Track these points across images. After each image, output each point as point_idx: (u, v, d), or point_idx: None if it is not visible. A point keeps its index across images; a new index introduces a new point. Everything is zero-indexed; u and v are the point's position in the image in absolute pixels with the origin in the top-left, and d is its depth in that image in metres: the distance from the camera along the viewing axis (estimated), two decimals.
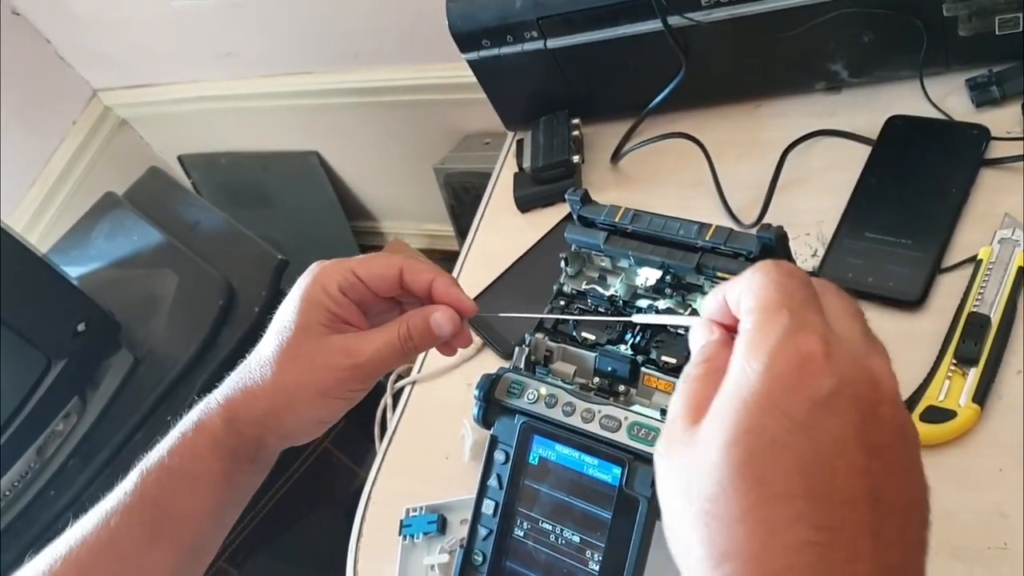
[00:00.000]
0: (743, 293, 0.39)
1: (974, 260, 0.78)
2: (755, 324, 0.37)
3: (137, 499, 0.56)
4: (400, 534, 0.82)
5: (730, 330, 0.41)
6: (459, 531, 0.81)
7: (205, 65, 1.93)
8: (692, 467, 0.36)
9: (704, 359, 0.40)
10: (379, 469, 0.89)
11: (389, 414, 0.94)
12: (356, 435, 1.51)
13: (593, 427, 0.61)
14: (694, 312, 0.64)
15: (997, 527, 0.65)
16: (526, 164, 1.04)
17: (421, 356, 0.96)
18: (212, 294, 1.38)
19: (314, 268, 0.60)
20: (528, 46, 0.99)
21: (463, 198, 1.78)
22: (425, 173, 1.84)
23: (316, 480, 1.56)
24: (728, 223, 0.91)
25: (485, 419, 0.66)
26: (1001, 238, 0.78)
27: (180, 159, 2.25)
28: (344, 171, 2.08)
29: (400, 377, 0.96)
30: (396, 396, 0.95)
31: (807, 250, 0.86)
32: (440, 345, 0.62)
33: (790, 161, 0.93)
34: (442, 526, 0.82)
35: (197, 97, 2.02)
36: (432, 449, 0.87)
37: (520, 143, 1.09)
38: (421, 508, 0.83)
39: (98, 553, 0.55)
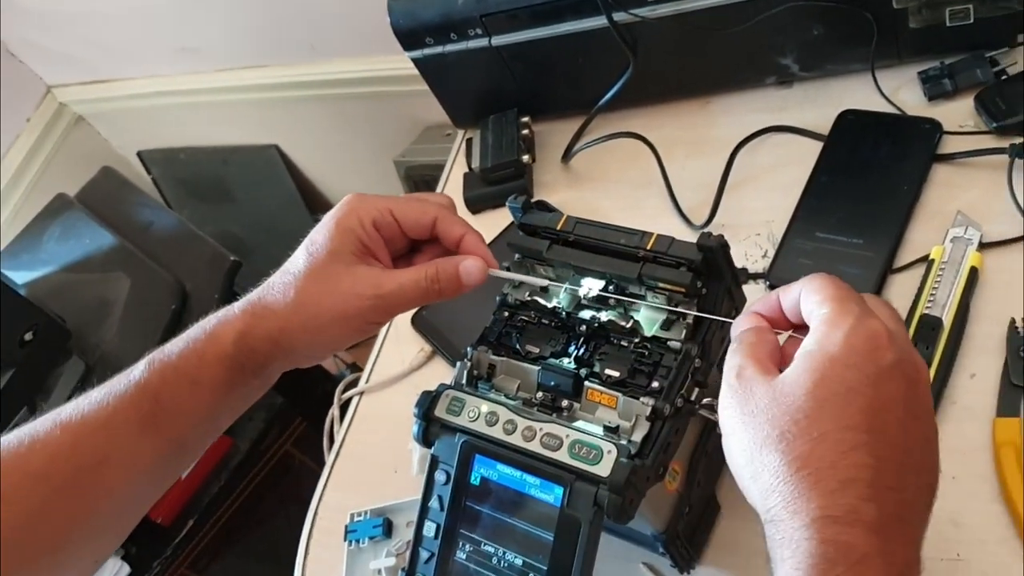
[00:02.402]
0: (807, 293, 0.50)
1: (926, 260, 0.77)
2: (833, 308, 0.48)
3: (139, 390, 0.59)
4: (345, 540, 0.81)
5: (772, 323, 0.54)
6: (405, 533, 0.80)
7: (161, 60, 1.90)
8: (776, 399, 0.47)
9: (754, 334, 0.53)
10: (326, 484, 0.87)
11: (336, 426, 0.92)
12: (316, 437, 1.48)
13: (534, 446, 0.59)
14: (636, 323, 0.63)
15: (950, 537, 0.64)
16: (475, 164, 1.02)
17: (368, 365, 0.94)
18: (165, 297, 1.35)
19: (351, 198, 0.62)
20: (473, 44, 0.97)
21: (424, 190, 1.75)
22: (386, 165, 1.82)
23: (279, 482, 1.54)
24: (678, 223, 0.90)
25: (425, 438, 0.64)
26: (953, 237, 0.77)
27: (139, 155, 2.22)
28: (305, 164, 2.06)
29: (348, 387, 0.94)
30: (344, 407, 0.93)
31: (757, 251, 0.84)
32: None
33: (741, 158, 0.91)
34: (388, 529, 0.81)
35: (154, 92, 1.98)
36: (380, 462, 0.85)
37: (469, 142, 1.06)
38: (366, 512, 0.82)
39: (93, 428, 0.58)
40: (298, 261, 0.61)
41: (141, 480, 0.61)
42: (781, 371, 0.49)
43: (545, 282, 0.66)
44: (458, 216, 0.65)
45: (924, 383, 0.48)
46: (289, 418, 1.53)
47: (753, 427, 0.47)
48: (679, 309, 0.62)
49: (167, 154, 2.17)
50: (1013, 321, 0.71)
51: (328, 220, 0.62)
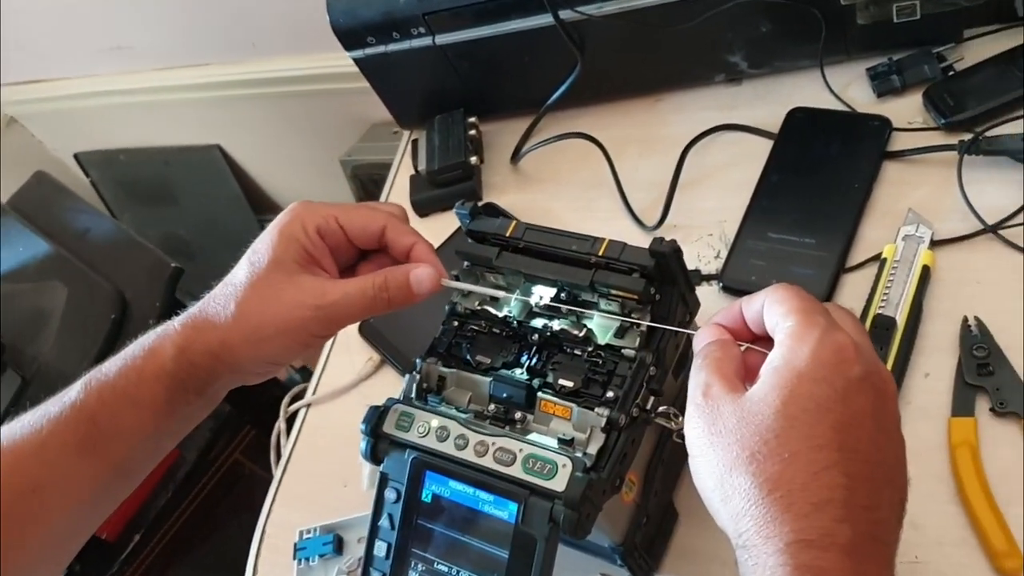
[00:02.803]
0: (770, 304, 0.49)
1: (878, 259, 0.76)
2: (798, 320, 0.47)
3: (75, 411, 0.56)
4: (295, 558, 0.79)
5: (734, 334, 0.53)
6: (357, 550, 0.78)
7: (96, 59, 1.84)
8: (745, 419, 0.45)
9: (718, 349, 0.51)
10: (273, 500, 0.84)
11: (283, 440, 0.89)
12: (266, 445, 1.46)
13: (487, 461, 0.58)
14: (589, 331, 0.61)
15: (908, 540, 0.63)
16: (421, 167, 0.99)
17: (315, 375, 0.91)
18: (104, 307, 1.30)
19: (296, 206, 0.60)
20: (416, 43, 0.94)
21: (372, 190, 1.72)
22: (332, 164, 1.79)
23: (229, 492, 1.50)
24: (631, 225, 0.89)
25: (374, 455, 0.62)
26: (905, 235, 0.76)
27: (76, 157, 2.16)
28: (248, 164, 2.01)
29: (294, 400, 0.91)
30: (290, 421, 0.90)
31: (710, 252, 0.83)
32: None
33: (691, 158, 0.90)
34: (338, 546, 0.79)
35: (90, 92, 1.92)
36: (329, 477, 0.83)
37: (415, 144, 1.04)
38: (315, 529, 0.80)
39: (26, 454, 0.55)
40: (240, 272, 0.59)
41: (80, 507, 0.58)
42: (747, 386, 0.47)
43: (500, 293, 0.64)
44: (409, 226, 0.63)
45: (892, 395, 0.47)
46: (237, 426, 1.49)
47: (722, 448, 0.46)
48: (632, 318, 0.60)
49: (106, 156, 2.11)
50: (966, 319, 0.71)
51: (271, 228, 0.59)
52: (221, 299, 0.58)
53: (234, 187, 2.02)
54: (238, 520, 1.55)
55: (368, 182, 1.74)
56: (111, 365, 0.58)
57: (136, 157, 2.08)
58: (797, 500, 0.42)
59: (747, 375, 0.50)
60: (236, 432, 1.49)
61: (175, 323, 0.59)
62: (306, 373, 1.45)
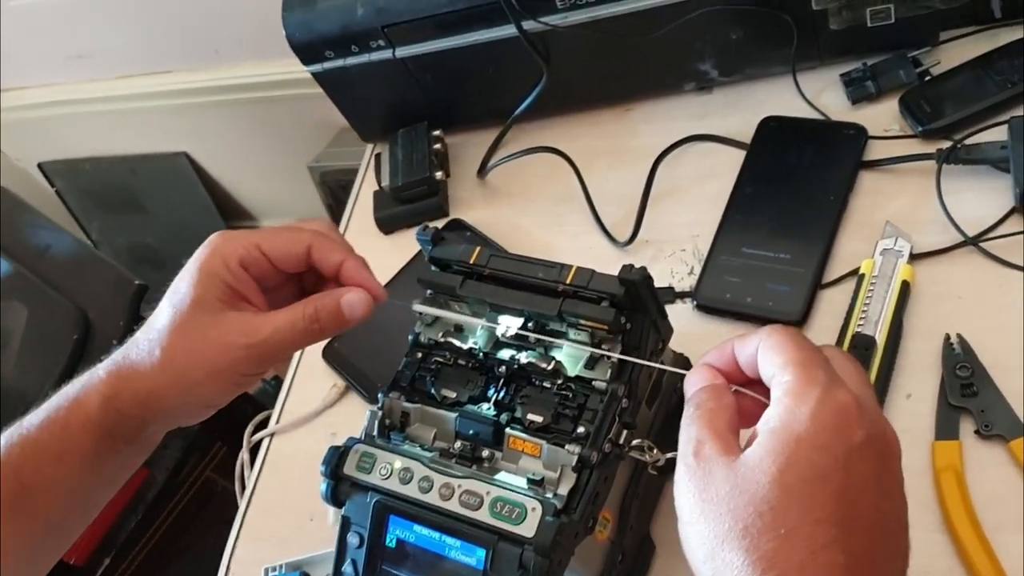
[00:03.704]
0: (766, 351, 0.46)
1: (856, 273, 0.74)
2: (797, 376, 0.44)
3: None
4: None
5: (727, 376, 0.50)
6: None
7: (57, 68, 1.81)
8: (739, 485, 0.42)
9: (711, 398, 0.48)
10: (237, 536, 0.81)
11: (247, 472, 0.86)
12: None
13: (453, 505, 0.55)
14: (558, 363, 0.59)
15: None
16: (385, 183, 0.96)
17: (279, 404, 0.88)
18: (66, 327, 1.27)
19: (214, 238, 0.58)
20: (376, 56, 0.91)
21: (341, 196, 1.70)
22: (300, 170, 1.76)
23: (201, 511, 1.47)
24: (602, 240, 0.86)
25: (335, 498, 0.60)
26: (883, 249, 0.74)
27: (40, 167, 2.12)
28: (216, 171, 1.99)
29: (257, 429, 0.88)
30: (254, 451, 0.87)
31: (683, 268, 0.81)
32: None
33: (663, 170, 0.88)
34: None
35: (51, 102, 1.89)
36: (295, 510, 0.80)
37: (378, 158, 1.00)
38: (281, 566, 0.77)
39: None
40: (162, 315, 0.56)
41: (12, 568, 0.55)
42: (741, 446, 0.45)
43: (475, 320, 0.62)
44: (337, 241, 0.60)
45: (896, 456, 0.45)
46: (207, 444, 1.46)
47: (714, 518, 0.43)
48: (603, 350, 0.58)
49: (70, 165, 2.08)
50: (948, 337, 0.69)
51: (190, 265, 0.57)
52: (145, 344, 0.55)
53: (202, 194, 1.99)
54: (213, 538, 1.51)
55: (337, 188, 1.71)
56: (33, 418, 0.55)
57: (102, 166, 2.04)
58: None
59: (741, 420, 0.47)
60: (207, 450, 1.46)
61: (99, 371, 0.56)
62: (277, 383, 1.42)
